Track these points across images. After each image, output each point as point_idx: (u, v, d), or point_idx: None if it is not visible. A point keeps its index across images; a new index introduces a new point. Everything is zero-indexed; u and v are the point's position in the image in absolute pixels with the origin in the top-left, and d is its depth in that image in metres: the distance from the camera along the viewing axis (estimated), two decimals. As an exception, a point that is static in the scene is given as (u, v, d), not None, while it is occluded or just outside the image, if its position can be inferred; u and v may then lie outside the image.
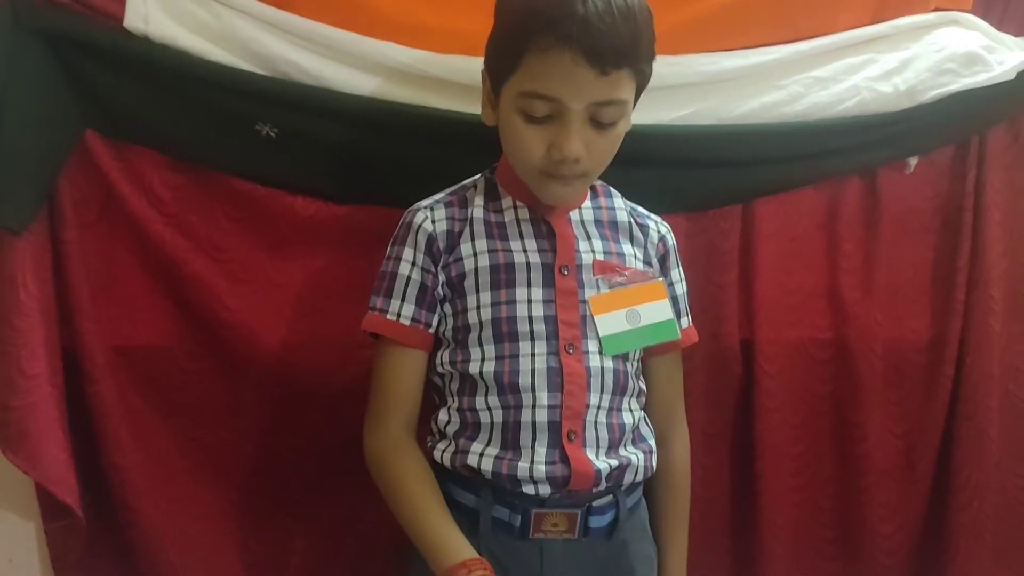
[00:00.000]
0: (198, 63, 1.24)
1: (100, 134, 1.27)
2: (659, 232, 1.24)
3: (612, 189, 1.25)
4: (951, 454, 1.54)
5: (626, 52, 1.02)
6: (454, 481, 1.13)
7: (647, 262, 1.21)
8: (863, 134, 1.41)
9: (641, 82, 1.09)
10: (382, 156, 1.31)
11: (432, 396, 1.20)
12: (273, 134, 1.28)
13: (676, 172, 1.38)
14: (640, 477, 1.16)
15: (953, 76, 1.39)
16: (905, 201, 1.50)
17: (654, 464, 1.18)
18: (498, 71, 1.08)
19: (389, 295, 1.15)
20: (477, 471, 1.10)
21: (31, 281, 1.23)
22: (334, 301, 1.34)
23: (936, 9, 1.42)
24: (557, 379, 1.10)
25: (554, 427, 1.09)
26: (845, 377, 1.51)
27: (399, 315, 1.14)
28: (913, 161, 1.47)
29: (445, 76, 1.28)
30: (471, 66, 1.22)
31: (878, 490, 1.53)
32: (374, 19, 1.27)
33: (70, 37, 1.21)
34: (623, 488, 1.15)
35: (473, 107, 1.19)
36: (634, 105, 1.11)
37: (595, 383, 1.12)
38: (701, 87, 1.35)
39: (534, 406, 1.10)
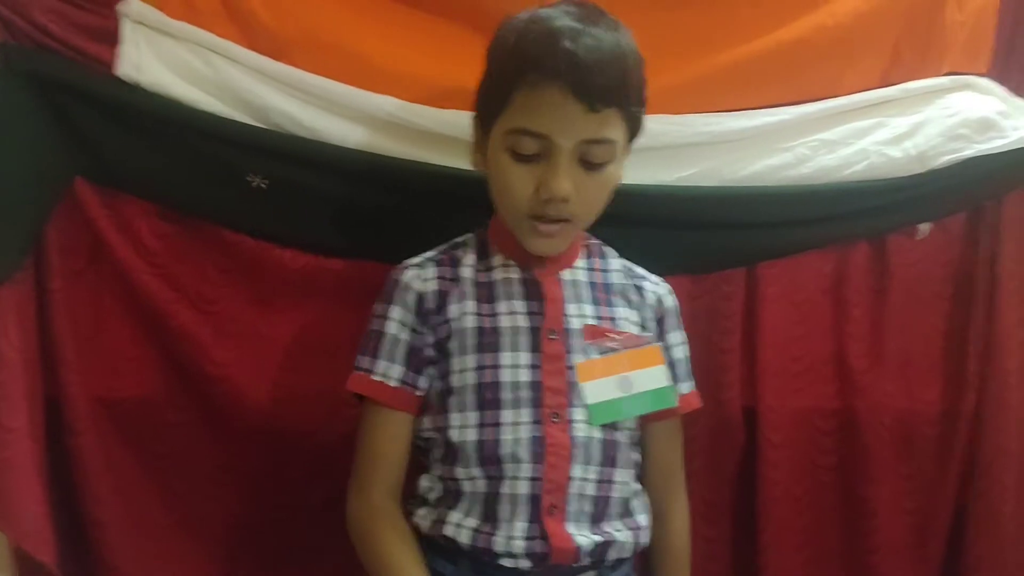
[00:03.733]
0: (190, 112, 1.23)
1: (89, 181, 1.26)
2: (656, 293, 1.20)
3: (608, 249, 1.22)
4: (963, 532, 1.47)
5: (614, 90, 1.01)
6: (432, 549, 1.09)
7: (643, 325, 1.17)
8: (872, 199, 1.36)
9: (632, 127, 1.08)
10: (374, 210, 1.29)
11: (420, 455, 1.16)
12: (264, 185, 1.26)
13: (677, 233, 1.34)
14: (627, 554, 1.11)
15: (966, 142, 1.35)
16: (916, 267, 1.44)
17: (643, 541, 1.13)
18: (487, 111, 1.07)
19: (376, 355, 1.11)
20: (455, 542, 1.06)
21: (13, 331, 1.21)
22: (322, 356, 1.31)
23: (949, 73, 1.38)
24: (539, 450, 1.06)
25: (534, 500, 1.05)
26: (852, 449, 1.44)
27: (385, 376, 1.10)
28: (925, 227, 1.42)
29: (440, 130, 1.26)
30: (467, 120, 1.20)
31: (886, 568, 1.46)
32: (369, 71, 1.26)
33: (61, 83, 1.21)
34: (606, 564, 1.10)
35: (468, 162, 1.17)
36: (627, 149, 1.09)
37: (579, 454, 1.07)
38: (704, 148, 1.32)
39: (515, 478, 1.06)
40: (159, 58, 1.21)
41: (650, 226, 1.30)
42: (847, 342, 1.43)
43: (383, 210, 1.29)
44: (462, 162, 1.22)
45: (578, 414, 1.08)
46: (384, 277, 1.17)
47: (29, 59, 1.19)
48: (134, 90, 1.21)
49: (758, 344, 1.41)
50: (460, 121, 1.23)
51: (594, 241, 1.21)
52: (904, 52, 1.37)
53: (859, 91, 1.35)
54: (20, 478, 1.21)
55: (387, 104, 1.25)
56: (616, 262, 1.21)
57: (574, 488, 1.06)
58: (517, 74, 1.01)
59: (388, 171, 1.26)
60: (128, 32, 1.20)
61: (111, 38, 1.21)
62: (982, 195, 1.42)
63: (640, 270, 1.22)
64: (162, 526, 1.35)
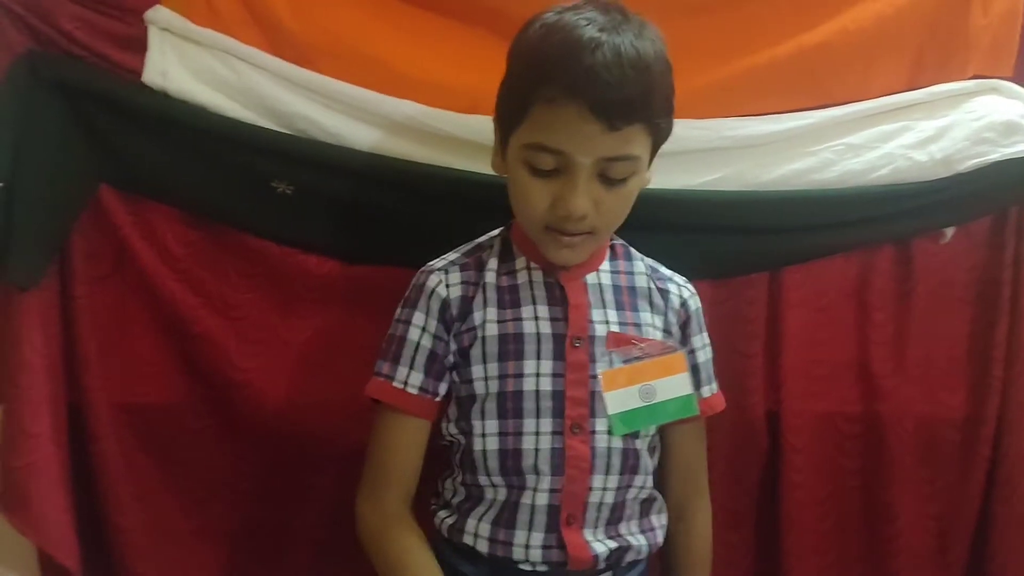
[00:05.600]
0: (215, 119, 1.23)
1: (114, 188, 1.26)
2: (681, 297, 1.19)
3: (633, 250, 1.21)
4: (987, 539, 1.47)
5: (637, 106, 0.97)
6: (452, 549, 1.10)
7: (667, 330, 1.16)
8: (897, 203, 1.36)
9: (658, 137, 1.05)
10: (399, 216, 1.29)
11: (445, 455, 1.16)
12: (289, 192, 1.26)
13: (701, 238, 1.33)
14: (641, 556, 1.12)
15: (991, 146, 1.34)
16: (940, 272, 1.44)
17: (658, 541, 1.14)
18: (506, 120, 1.05)
19: (397, 361, 1.10)
20: (474, 549, 1.07)
21: (37, 337, 1.21)
22: (346, 363, 1.30)
23: (975, 76, 1.37)
24: (559, 462, 1.06)
25: (553, 511, 1.06)
26: (875, 453, 1.44)
27: (406, 383, 1.09)
28: (949, 231, 1.42)
29: (464, 135, 1.25)
30: (489, 126, 1.19)
31: (908, 573, 1.45)
32: (393, 77, 1.25)
33: (88, 90, 1.21)
34: (623, 566, 1.10)
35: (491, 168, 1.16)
36: (651, 160, 1.07)
37: (600, 464, 1.07)
38: (728, 152, 1.31)
39: (535, 489, 1.06)
40: (185, 65, 1.21)
41: (674, 231, 1.29)
42: (870, 347, 1.43)
43: (409, 216, 1.28)
44: (485, 167, 1.22)
45: (600, 425, 1.08)
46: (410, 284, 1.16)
47: (56, 66, 1.19)
48: (160, 97, 1.21)
49: (781, 349, 1.40)
50: (483, 127, 1.21)
51: (619, 242, 1.20)
52: (928, 56, 1.36)
53: (884, 95, 1.35)
54: (44, 483, 1.22)
55: (410, 110, 1.25)
56: (641, 264, 1.19)
57: (593, 498, 1.07)
58: (535, 86, 0.97)
59: (412, 177, 1.26)
60: (155, 39, 1.20)
61: (138, 45, 1.20)
62: (1007, 199, 1.42)
63: (665, 271, 1.21)
64: (182, 532, 1.35)
